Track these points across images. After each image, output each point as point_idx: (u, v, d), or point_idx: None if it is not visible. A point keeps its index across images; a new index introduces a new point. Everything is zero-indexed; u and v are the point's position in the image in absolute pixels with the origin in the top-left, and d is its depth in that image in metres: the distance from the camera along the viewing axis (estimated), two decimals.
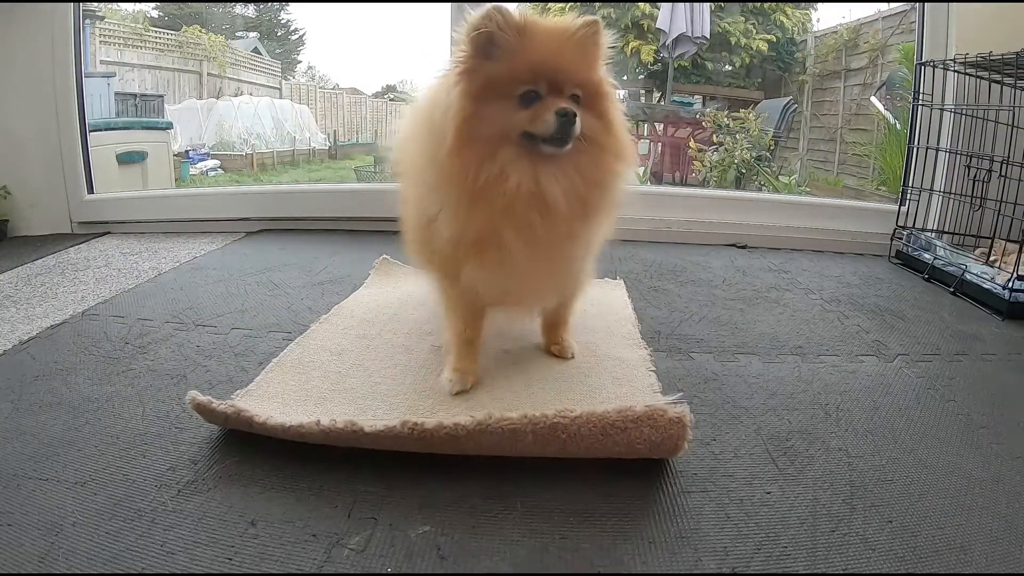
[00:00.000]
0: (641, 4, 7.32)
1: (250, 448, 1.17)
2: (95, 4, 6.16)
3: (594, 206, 1.29)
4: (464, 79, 1.16)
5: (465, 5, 2.74)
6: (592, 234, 1.36)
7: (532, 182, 1.19)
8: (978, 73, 2.48)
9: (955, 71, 2.53)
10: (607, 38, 1.27)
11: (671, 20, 5.92)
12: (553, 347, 1.55)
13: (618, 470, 1.13)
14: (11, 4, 2.76)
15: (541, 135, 1.17)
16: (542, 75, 1.17)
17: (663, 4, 6.17)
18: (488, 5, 1.16)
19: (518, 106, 1.17)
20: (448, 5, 2.79)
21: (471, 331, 1.42)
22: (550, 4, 8.00)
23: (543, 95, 1.18)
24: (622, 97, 7.91)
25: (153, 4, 7.96)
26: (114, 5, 6.80)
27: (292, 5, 9.64)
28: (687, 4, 5.86)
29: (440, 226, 1.28)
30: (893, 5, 5.68)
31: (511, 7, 1.18)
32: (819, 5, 7.57)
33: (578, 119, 1.17)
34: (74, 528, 0.97)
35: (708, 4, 6.06)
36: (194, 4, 7.97)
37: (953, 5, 2.62)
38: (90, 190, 3.01)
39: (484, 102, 1.16)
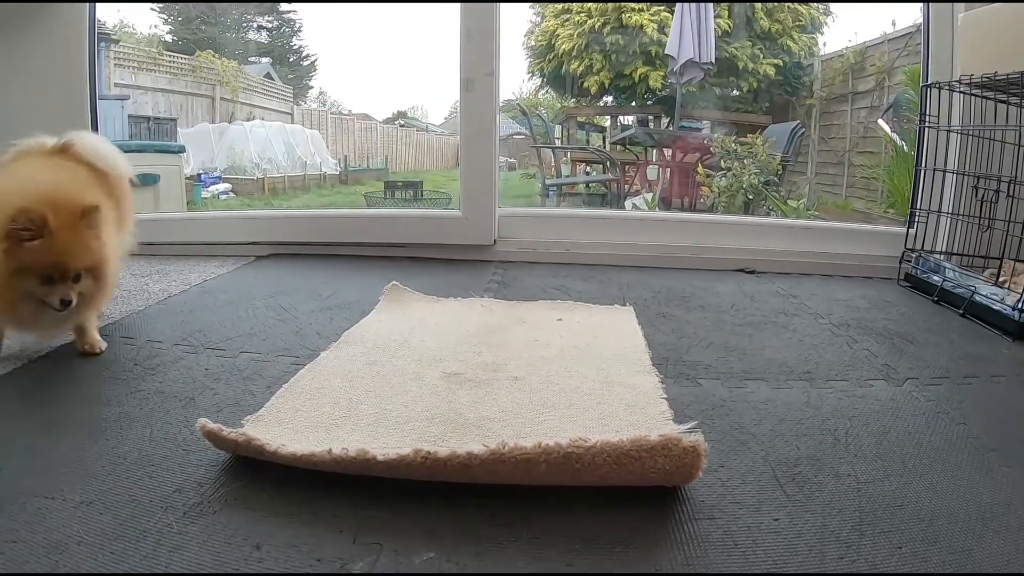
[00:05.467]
0: (649, 31, 7.39)
1: (256, 472, 1.17)
2: (110, 28, 6.24)
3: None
4: (3, 256, 1.47)
5: (474, 31, 2.79)
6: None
7: (39, 325, 1.64)
8: (984, 93, 2.48)
9: (961, 92, 2.54)
10: (102, 218, 1.60)
11: (679, 46, 5.97)
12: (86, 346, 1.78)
13: (625, 497, 1.12)
14: (26, 28, 2.80)
15: (49, 305, 1.54)
16: (55, 269, 1.52)
17: (672, 30, 6.21)
18: (18, 210, 1.44)
19: (39, 282, 1.51)
20: (457, 31, 2.82)
21: None
22: (551, 4, 8.11)
23: (56, 279, 1.53)
24: (631, 122, 7.99)
25: (168, 28, 8.07)
26: (129, 28, 6.90)
27: (305, 31, 9.75)
28: (694, 27, 5.91)
29: None
30: (899, 27, 5.71)
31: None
32: (825, 29, 7.64)
33: (74, 301, 1.55)
34: (79, 547, 0.97)
35: (714, 28, 6.11)
36: (208, 30, 8.07)
37: (958, 26, 2.61)
38: None
39: (17, 275, 1.49)
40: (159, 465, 1.20)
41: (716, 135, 6.33)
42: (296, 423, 1.33)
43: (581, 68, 7.91)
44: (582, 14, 7.91)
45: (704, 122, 7.17)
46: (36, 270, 1.51)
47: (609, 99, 8.35)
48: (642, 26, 7.50)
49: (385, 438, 1.28)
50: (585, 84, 7.95)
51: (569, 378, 1.59)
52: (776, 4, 7.51)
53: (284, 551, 0.97)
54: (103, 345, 1.78)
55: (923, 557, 0.99)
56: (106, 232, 1.64)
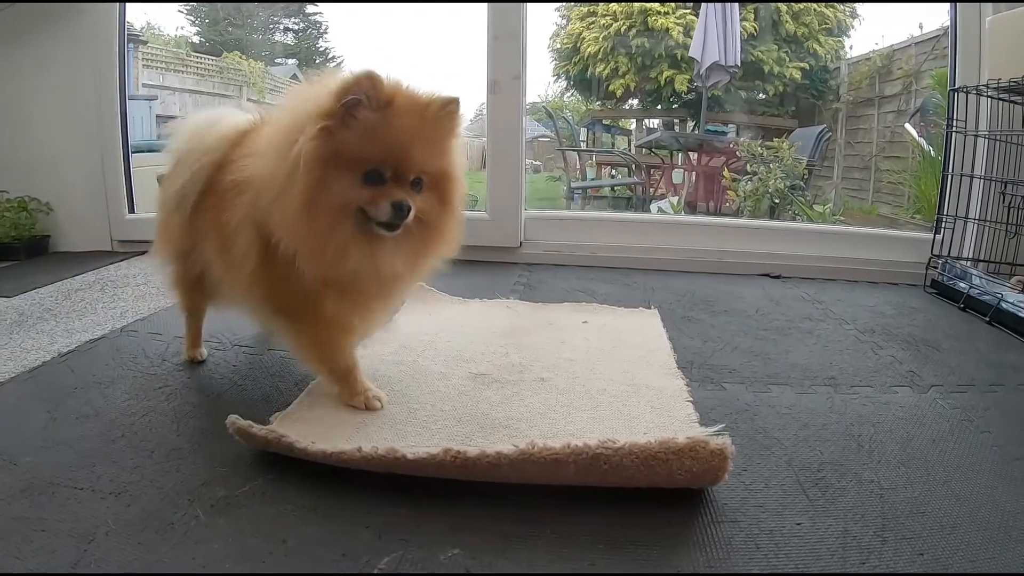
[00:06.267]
0: (675, 34, 7.37)
1: (283, 467, 1.19)
2: (138, 29, 6.31)
3: (421, 271, 1.40)
4: (320, 139, 1.16)
5: (501, 33, 2.80)
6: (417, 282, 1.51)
7: (370, 263, 1.26)
8: (1012, 98, 2.45)
9: (988, 96, 2.51)
10: (462, 117, 1.30)
11: (704, 49, 5.93)
12: None
13: (649, 499, 1.13)
14: (59, 29, 2.86)
15: (374, 219, 1.21)
16: (389, 159, 1.20)
17: (696, 32, 6.19)
18: (363, 72, 1.15)
19: (361, 183, 1.19)
20: (484, 36, 2.83)
21: (347, 359, 1.43)
22: (577, 7, 8.09)
23: (387, 178, 1.20)
24: (656, 125, 7.98)
25: (195, 30, 8.16)
26: (156, 30, 6.98)
27: (331, 33, 9.83)
28: (719, 30, 5.87)
29: (301, 266, 1.26)
30: (926, 30, 5.65)
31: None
32: (851, 32, 7.58)
33: (412, 210, 1.21)
34: (107, 537, 0.99)
35: (739, 31, 6.07)
36: (235, 31, 8.15)
37: (986, 29, 2.59)
38: (131, 210, 3.08)
39: (332, 168, 1.17)
40: (187, 459, 1.22)
41: (742, 139, 6.29)
42: (324, 421, 1.35)
43: (607, 71, 7.91)
44: (607, 17, 7.91)
45: (730, 126, 7.13)
46: (360, 163, 1.18)
47: (635, 102, 8.34)
48: (668, 29, 7.48)
49: (413, 437, 1.30)
50: (611, 87, 7.95)
51: (595, 380, 1.59)
52: (803, 6, 7.46)
53: (310, 546, 0.99)
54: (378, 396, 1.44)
55: (945, 564, 0.99)
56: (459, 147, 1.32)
